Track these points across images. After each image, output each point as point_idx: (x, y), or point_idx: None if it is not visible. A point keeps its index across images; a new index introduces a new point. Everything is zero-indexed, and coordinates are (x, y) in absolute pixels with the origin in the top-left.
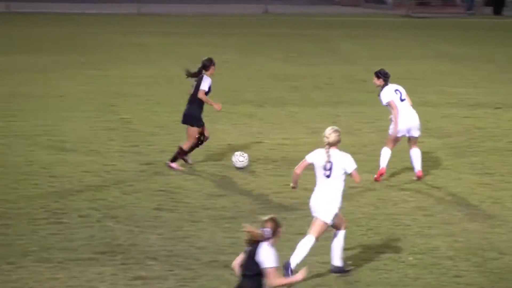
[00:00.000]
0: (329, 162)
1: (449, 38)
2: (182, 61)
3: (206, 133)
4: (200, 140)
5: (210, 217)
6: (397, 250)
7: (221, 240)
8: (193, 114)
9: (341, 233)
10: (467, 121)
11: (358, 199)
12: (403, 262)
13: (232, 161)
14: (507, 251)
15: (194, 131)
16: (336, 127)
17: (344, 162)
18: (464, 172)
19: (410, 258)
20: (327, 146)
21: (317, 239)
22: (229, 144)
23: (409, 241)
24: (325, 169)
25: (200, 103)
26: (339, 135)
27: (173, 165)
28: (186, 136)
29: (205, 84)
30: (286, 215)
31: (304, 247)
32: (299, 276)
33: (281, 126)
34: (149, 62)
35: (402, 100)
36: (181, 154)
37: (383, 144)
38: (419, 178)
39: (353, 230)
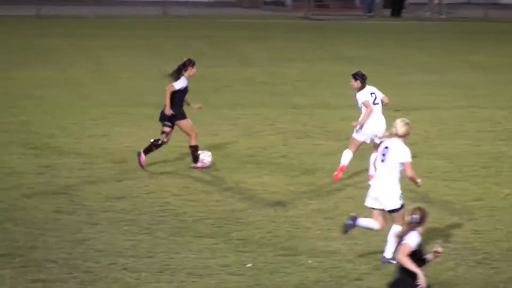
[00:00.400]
0: (386, 147)
1: (347, 41)
2: (82, 64)
3: (168, 138)
4: (160, 142)
5: (109, 220)
6: (297, 253)
7: (120, 243)
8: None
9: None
10: None
11: (257, 201)
12: (303, 265)
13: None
14: None
15: (185, 124)
16: (406, 120)
17: (398, 153)
18: (363, 174)
19: (310, 261)
20: (395, 136)
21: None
22: (129, 146)
23: (309, 244)
24: (382, 154)
25: (177, 100)
26: (408, 128)
27: (198, 165)
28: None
29: (178, 83)
30: (184, 218)
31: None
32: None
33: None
34: (49, 64)
35: (374, 103)
36: (195, 151)
37: (283, 146)
38: None
39: (253, 233)
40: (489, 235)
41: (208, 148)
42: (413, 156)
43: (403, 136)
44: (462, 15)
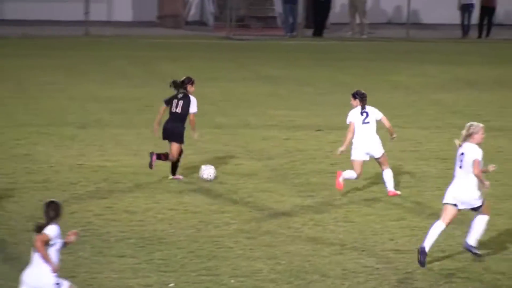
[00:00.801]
0: (462, 154)
1: (269, 61)
2: (3, 84)
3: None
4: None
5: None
6: (219, 272)
7: None
8: (178, 131)
9: (486, 217)
10: (288, 143)
11: (179, 222)
12: (225, 284)
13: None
14: (329, 273)
15: (178, 147)
16: (475, 123)
17: (472, 152)
18: (286, 194)
19: (232, 281)
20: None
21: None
22: (51, 166)
23: (231, 264)
24: (459, 161)
25: (184, 121)
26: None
27: (177, 176)
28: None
29: (194, 107)
30: (107, 238)
31: (434, 231)
32: None
33: (103, 148)
34: None
35: (365, 122)
36: (165, 159)
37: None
38: (393, 195)
39: (175, 252)
40: (410, 255)
41: (129, 167)
42: (333, 173)
43: (473, 138)
44: (384, 35)
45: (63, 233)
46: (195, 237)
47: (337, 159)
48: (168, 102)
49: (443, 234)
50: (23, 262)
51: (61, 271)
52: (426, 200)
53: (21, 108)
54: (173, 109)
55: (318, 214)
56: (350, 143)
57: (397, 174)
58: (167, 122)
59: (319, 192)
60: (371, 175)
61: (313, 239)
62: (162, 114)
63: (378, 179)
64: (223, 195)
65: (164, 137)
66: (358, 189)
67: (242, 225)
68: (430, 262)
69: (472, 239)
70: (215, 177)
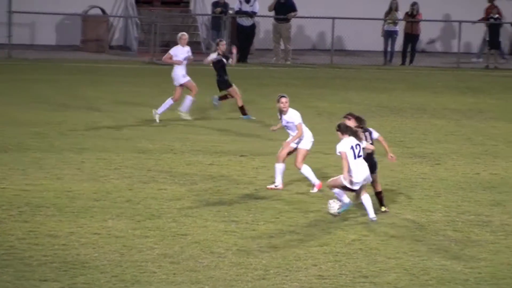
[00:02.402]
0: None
1: None
2: None
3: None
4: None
5: None
6: None
7: None
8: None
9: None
10: (212, 168)
11: (102, 246)
12: None
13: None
14: None
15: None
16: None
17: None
18: (209, 219)
19: None
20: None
21: None
22: None
23: None
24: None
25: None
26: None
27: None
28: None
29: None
30: (29, 261)
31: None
32: None
33: (25, 172)
34: None
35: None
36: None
37: (128, 190)
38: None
39: (98, 277)
40: (333, 281)
41: (52, 191)
42: (257, 198)
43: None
44: (308, 61)
45: None
46: (118, 261)
47: (260, 185)
48: None
49: (365, 259)
50: None
51: None
52: (348, 226)
53: None
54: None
55: (242, 239)
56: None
57: (320, 198)
58: None
59: (243, 218)
60: (296, 200)
61: (236, 264)
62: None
63: (300, 206)
64: (147, 220)
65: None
66: (282, 215)
67: (166, 249)
68: (353, 287)
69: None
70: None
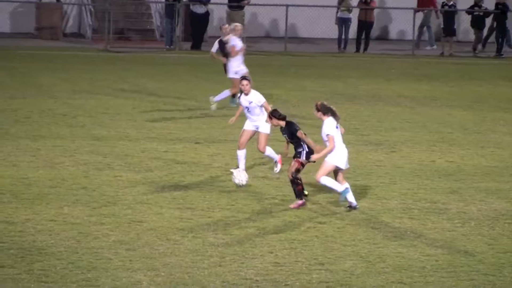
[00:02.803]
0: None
1: (148, 73)
2: None
3: None
4: None
5: None
6: (98, 284)
7: None
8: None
9: None
10: (168, 155)
11: (58, 233)
12: None
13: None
14: (209, 285)
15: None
16: None
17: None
18: (165, 206)
19: None
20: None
21: None
22: None
23: (111, 275)
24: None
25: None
26: None
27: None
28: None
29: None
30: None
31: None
32: None
33: None
34: None
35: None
36: None
37: (84, 178)
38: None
39: (54, 263)
40: (289, 268)
41: (10, 178)
42: (212, 185)
43: None
44: (262, 48)
45: None
46: (74, 248)
47: (216, 172)
48: None
49: (321, 246)
50: None
51: None
52: (304, 214)
53: None
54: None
55: (197, 226)
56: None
57: (275, 188)
58: None
59: (198, 205)
60: (252, 188)
61: (192, 251)
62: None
63: (255, 193)
64: (102, 207)
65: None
66: (238, 202)
67: (122, 236)
68: (309, 274)
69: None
70: (246, 182)
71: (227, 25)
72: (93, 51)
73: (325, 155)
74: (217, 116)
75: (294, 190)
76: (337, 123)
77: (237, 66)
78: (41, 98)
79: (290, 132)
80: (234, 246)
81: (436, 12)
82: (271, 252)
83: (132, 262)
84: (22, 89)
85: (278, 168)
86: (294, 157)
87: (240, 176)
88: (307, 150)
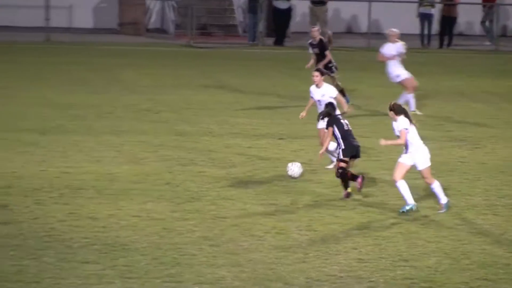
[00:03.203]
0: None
1: (231, 69)
2: None
3: None
4: None
5: None
6: (182, 279)
7: (6, 268)
8: None
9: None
10: (251, 151)
11: (142, 228)
12: None
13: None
14: (293, 281)
15: None
16: None
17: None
18: (248, 202)
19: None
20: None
21: None
22: (14, 172)
23: (195, 271)
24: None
25: None
26: None
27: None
28: None
29: None
30: (70, 243)
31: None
32: None
33: (65, 154)
34: None
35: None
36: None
37: (168, 173)
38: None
39: (138, 259)
40: (374, 264)
41: (91, 173)
42: (295, 181)
43: None
44: (344, 44)
45: (28, 237)
46: (158, 244)
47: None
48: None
49: (405, 243)
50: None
51: (25, 276)
52: (387, 210)
53: None
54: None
55: (281, 222)
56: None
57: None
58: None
59: (282, 200)
60: (335, 183)
61: (276, 247)
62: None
63: (339, 189)
64: (186, 202)
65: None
66: (321, 197)
67: (205, 232)
68: (393, 271)
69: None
70: (301, 175)
71: (316, 27)
72: (176, 46)
73: (392, 145)
74: (299, 112)
75: (342, 181)
76: (411, 123)
77: (396, 70)
78: (124, 94)
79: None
80: (317, 242)
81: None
82: (355, 249)
83: (216, 258)
84: (105, 85)
85: (331, 166)
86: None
87: (293, 168)
88: (343, 147)
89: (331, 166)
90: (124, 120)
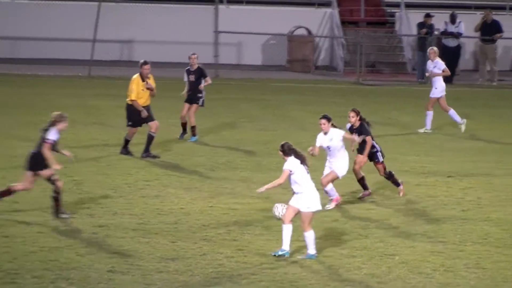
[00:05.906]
0: None
1: (399, 106)
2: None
3: None
4: None
5: (163, 281)
6: None
7: None
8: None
9: None
10: (419, 189)
11: (310, 265)
12: None
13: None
14: None
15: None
16: None
17: None
18: (417, 240)
19: None
20: None
21: None
22: (182, 208)
23: None
24: None
25: None
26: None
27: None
28: None
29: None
30: (238, 280)
31: None
32: None
33: (233, 190)
34: (100, 125)
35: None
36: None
37: (335, 211)
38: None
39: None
40: None
41: (259, 210)
42: (464, 219)
43: None
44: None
45: (196, 273)
46: (326, 281)
47: (468, 206)
48: None
49: None
50: None
51: None
52: None
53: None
54: None
55: (449, 260)
56: None
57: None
58: None
59: (450, 238)
60: (503, 221)
61: (444, 285)
62: None
63: (507, 225)
64: (353, 240)
65: None
66: (489, 235)
67: (373, 269)
68: None
69: None
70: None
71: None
72: (345, 83)
73: (271, 188)
74: (467, 149)
75: (393, 182)
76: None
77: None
78: (292, 130)
79: (360, 132)
80: (486, 280)
81: None
82: None
83: None
84: (274, 122)
85: (331, 206)
86: (371, 161)
87: (278, 209)
88: (379, 149)
89: (331, 206)
90: None
